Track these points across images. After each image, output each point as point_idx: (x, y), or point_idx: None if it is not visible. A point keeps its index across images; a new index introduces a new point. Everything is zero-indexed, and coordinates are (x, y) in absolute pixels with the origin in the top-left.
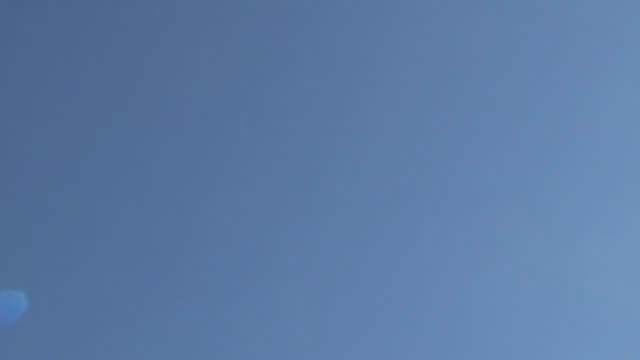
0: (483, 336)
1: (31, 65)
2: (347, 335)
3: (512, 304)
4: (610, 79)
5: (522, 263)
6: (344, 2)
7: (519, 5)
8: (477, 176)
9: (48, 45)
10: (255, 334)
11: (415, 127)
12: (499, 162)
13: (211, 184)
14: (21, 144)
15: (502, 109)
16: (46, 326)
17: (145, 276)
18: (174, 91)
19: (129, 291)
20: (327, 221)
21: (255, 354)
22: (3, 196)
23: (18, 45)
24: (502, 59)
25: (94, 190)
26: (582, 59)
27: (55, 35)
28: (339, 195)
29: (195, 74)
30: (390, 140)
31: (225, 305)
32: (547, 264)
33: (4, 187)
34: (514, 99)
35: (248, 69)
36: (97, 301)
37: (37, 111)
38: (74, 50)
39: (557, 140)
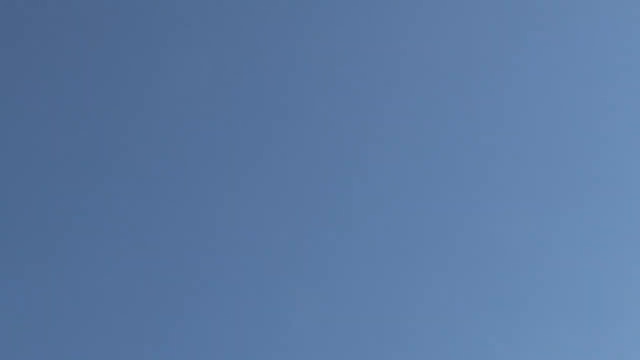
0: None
1: (31, 66)
2: (350, 336)
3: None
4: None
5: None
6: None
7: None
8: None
9: (49, 47)
10: (257, 335)
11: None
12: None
13: (214, 187)
14: (23, 145)
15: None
16: (46, 325)
17: (150, 277)
18: (178, 93)
19: (132, 292)
20: (330, 225)
21: (257, 354)
22: (5, 196)
23: (19, 45)
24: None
25: (98, 190)
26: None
27: (56, 36)
28: (342, 200)
29: (198, 77)
30: (397, 144)
31: (229, 306)
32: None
33: (6, 187)
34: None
35: (257, 73)
36: (98, 301)
37: (38, 112)
38: (77, 51)
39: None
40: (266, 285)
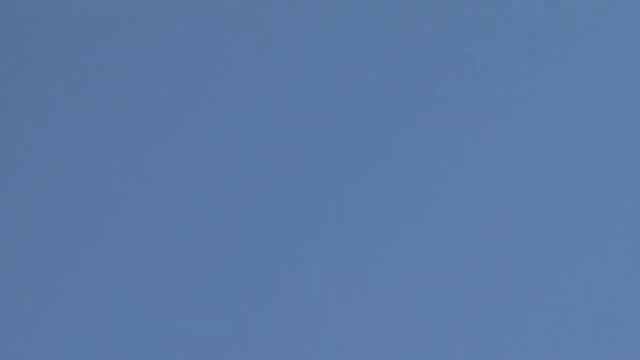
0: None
1: (31, 65)
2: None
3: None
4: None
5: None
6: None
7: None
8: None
9: (49, 46)
10: (255, 334)
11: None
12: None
13: (209, 185)
14: (22, 144)
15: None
16: (45, 324)
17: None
18: (172, 91)
19: (129, 290)
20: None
21: (255, 353)
22: (4, 195)
23: (19, 45)
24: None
25: (95, 189)
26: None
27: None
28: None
29: (193, 74)
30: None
31: (226, 305)
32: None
33: (5, 186)
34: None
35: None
36: (96, 301)
37: (37, 111)
38: (76, 50)
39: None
40: (266, 285)
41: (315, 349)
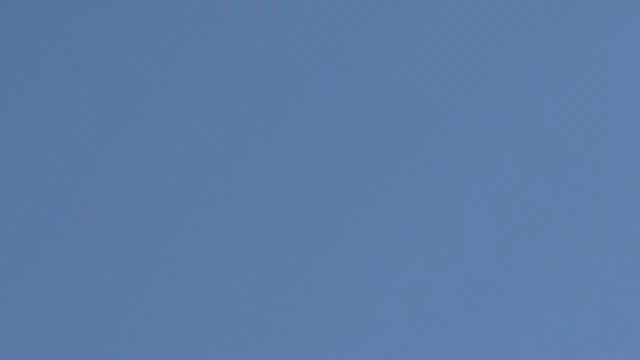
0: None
1: (32, 65)
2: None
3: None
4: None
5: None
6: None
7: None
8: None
9: (50, 46)
10: (254, 332)
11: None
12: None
13: (209, 183)
14: (22, 144)
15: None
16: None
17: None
18: (169, 89)
19: (128, 290)
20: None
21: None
22: (3, 194)
23: (19, 45)
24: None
25: (96, 189)
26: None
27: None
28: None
29: (192, 72)
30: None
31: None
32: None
33: (5, 185)
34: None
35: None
36: (95, 300)
37: (37, 111)
38: (76, 50)
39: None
40: (265, 283)
41: (316, 349)
